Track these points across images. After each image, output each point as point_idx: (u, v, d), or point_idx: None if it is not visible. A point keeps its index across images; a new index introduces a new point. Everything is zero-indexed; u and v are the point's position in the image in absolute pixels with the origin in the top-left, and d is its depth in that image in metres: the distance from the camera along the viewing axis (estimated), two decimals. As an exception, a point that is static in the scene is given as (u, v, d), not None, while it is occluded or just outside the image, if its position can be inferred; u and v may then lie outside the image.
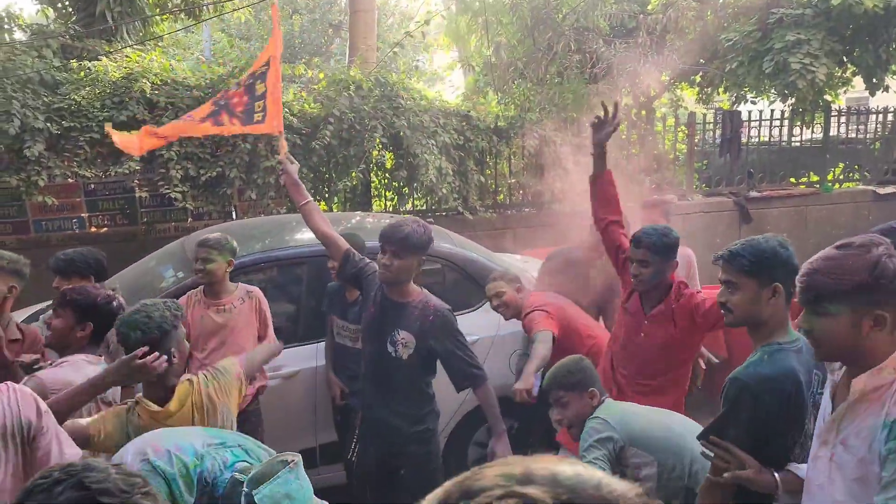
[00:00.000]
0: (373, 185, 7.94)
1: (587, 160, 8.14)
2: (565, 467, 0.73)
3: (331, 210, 7.46)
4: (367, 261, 3.29)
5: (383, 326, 3.15)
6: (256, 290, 3.95)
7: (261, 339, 3.89)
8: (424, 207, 8.00)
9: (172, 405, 2.43)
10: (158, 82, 6.66)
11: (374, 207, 7.89)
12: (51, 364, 2.72)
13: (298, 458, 1.89)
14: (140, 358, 2.29)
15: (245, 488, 1.81)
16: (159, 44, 8.90)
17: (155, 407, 2.41)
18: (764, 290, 2.22)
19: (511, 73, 10.10)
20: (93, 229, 6.90)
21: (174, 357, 2.43)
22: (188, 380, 2.51)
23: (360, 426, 3.47)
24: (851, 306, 1.66)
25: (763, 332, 2.27)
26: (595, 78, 9.69)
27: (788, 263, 2.23)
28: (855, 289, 1.65)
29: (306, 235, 5.01)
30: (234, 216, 7.03)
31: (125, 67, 6.74)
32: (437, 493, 0.75)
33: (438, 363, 3.24)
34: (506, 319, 4.02)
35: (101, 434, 2.37)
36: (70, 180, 6.58)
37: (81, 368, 2.62)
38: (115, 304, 2.80)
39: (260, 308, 3.91)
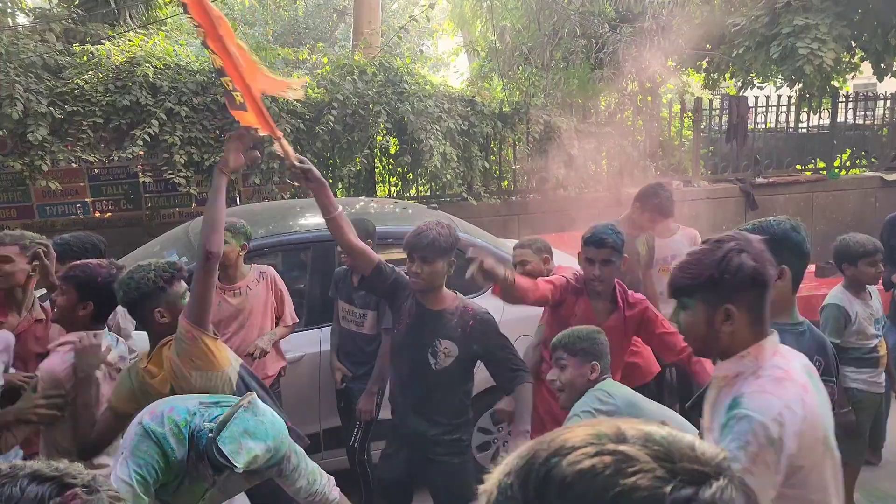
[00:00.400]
0: (377, 170, 7.91)
1: (591, 146, 8.17)
2: (656, 428, 0.72)
3: (335, 195, 7.43)
4: (398, 271, 3.12)
5: (422, 338, 3.02)
6: (269, 269, 3.96)
7: (279, 317, 3.91)
8: (429, 193, 7.97)
9: (153, 366, 2.49)
10: (161, 66, 6.63)
11: (378, 193, 7.87)
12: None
13: (251, 395, 2.04)
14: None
15: (211, 434, 1.95)
16: (162, 28, 8.85)
17: (143, 364, 2.52)
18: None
19: (516, 59, 10.04)
20: (97, 214, 6.91)
21: (162, 317, 2.49)
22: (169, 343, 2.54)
23: (389, 436, 3.32)
24: (704, 300, 1.71)
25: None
26: (600, 63, 9.63)
27: (799, 247, 2.20)
28: (704, 283, 1.70)
29: (311, 220, 5.01)
30: (238, 201, 7.02)
31: (128, 52, 6.71)
32: (522, 452, 0.74)
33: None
34: None
35: (117, 399, 2.51)
36: (73, 165, 6.58)
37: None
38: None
39: (276, 286, 3.92)
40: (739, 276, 1.67)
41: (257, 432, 1.98)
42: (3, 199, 6.57)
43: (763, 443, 1.55)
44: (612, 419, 0.74)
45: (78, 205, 6.84)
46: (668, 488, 0.65)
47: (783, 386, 1.62)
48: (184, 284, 2.59)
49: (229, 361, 2.56)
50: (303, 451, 2.36)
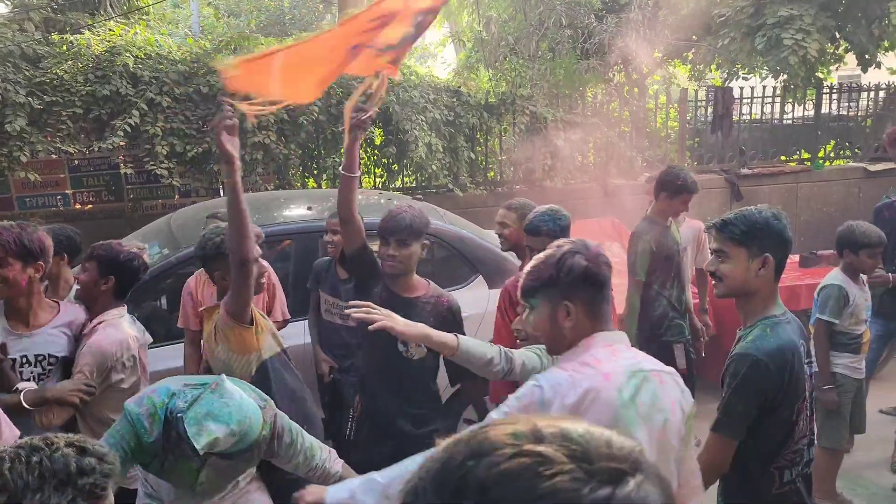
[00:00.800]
0: (362, 161, 7.85)
1: (577, 137, 8.16)
2: (573, 425, 0.71)
3: (320, 186, 7.39)
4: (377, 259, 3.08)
5: None
6: (263, 263, 3.90)
7: (269, 311, 3.82)
8: (414, 184, 7.94)
9: (206, 326, 2.85)
10: (142, 56, 6.53)
11: (364, 184, 7.82)
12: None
13: (220, 378, 2.07)
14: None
15: (180, 415, 2.00)
16: (143, 17, 8.73)
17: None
18: (754, 260, 2.23)
19: (502, 49, 10.00)
20: (77, 206, 6.82)
21: (223, 279, 2.89)
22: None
23: (363, 430, 3.23)
24: (546, 298, 1.86)
25: (754, 304, 2.30)
26: (587, 53, 9.61)
27: (780, 235, 2.24)
28: (545, 283, 1.85)
29: (294, 212, 4.97)
30: (221, 193, 6.95)
31: (108, 41, 6.61)
32: (439, 452, 0.72)
33: None
34: (503, 250, 4.00)
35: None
36: (53, 156, 6.48)
37: (120, 325, 2.83)
38: (137, 262, 2.90)
39: (268, 281, 3.86)
40: (573, 275, 1.82)
41: (220, 415, 1.99)
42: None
43: (533, 400, 1.74)
44: (529, 417, 0.73)
45: (58, 196, 6.75)
46: (587, 489, 0.64)
47: (580, 370, 1.77)
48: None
49: (257, 348, 2.76)
50: (299, 427, 2.35)
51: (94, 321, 2.83)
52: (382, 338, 2.94)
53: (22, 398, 2.46)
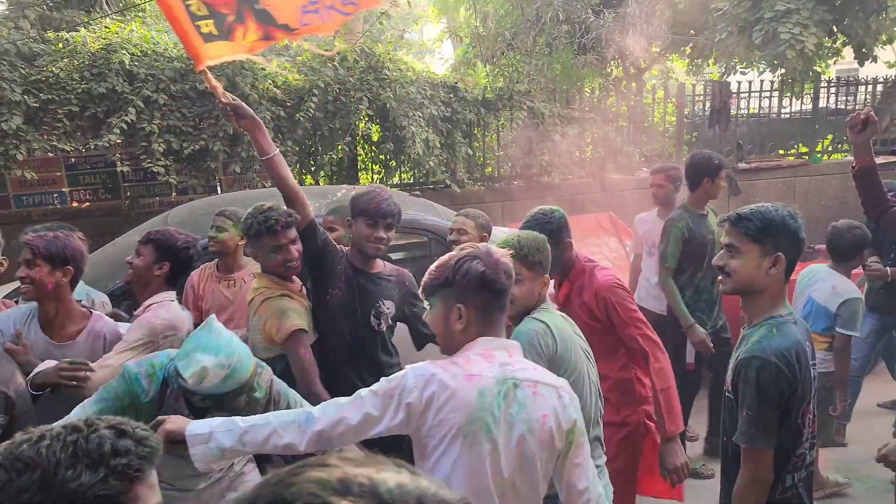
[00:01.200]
0: (359, 158, 7.85)
1: (574, 132, 8.15)
2: (389, 475, 0.67)
3: (317, 183, 7.38)
4: (327, 233, 3.15)
5: (365, 301, 3.07)
6: None
7: None
8: (412, 181, 7.93)
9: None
10: (139, 53, 6.51)
11: (361, 181, 7.81)
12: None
13: (210, 317, 2.15)
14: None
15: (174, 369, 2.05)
16: (139, 14, 8.70)
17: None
18: (766, 258, 2.18)
19: (499, 45, 9.97)
20: (74, 204, 6.81)
21: (255, 258, 3.02)
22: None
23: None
24: (442, 299, 1.92)
25: (761, 303, 2.24)
26: (584, 49, 9.59)
27: (795, 235, 2.19)
28: (441, 283, 1.91)
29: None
30: (218, 190, 6.94)
31: (104, 38, 6.59)
32: (247, 494, 0.69)
33: None
34: None
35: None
36: (50, 154, 6.47)
37: (171, 307, 2.84)
38: (192, 250, 2.96)
39: None
40: (468, 279, 1.87)
41: (208, 347, 2.02)
42: (-22, 189, 6.45)
43: (399, 384, 1.83)
44: (347, 460, 0.69)
45: (55, 194, 6.74)
46: None
47: (448, 368, 1.84)
48: (286, 236, 2.88)
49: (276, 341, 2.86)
50: (300, 398, 2.40)
51: (145, 304, 2.85)
52: (353, 316, 3.08)
53: (28, 386, 2.42)
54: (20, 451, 1.06)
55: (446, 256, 1.96)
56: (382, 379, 1.89)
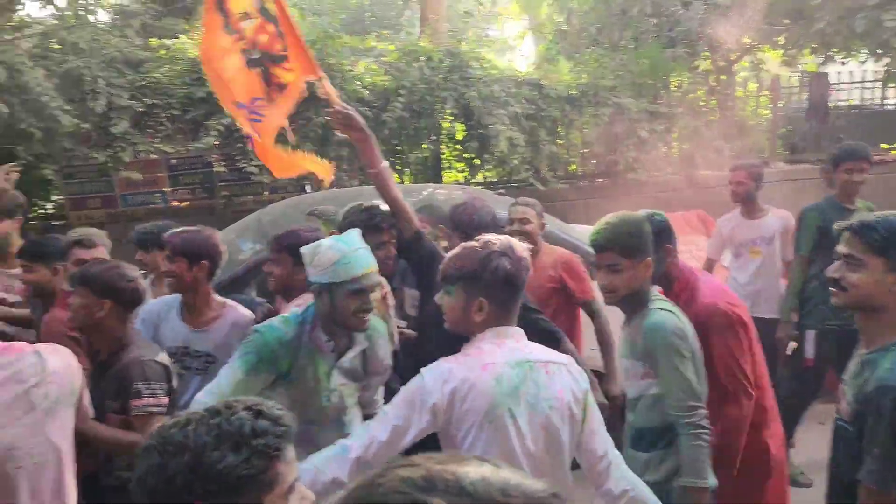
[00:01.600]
0: (443, 156, 7.93)
1: (662, 127, 7.96)
2: (471, 469, 0.68)
3: (402, 182, 7.50)
4: (434, 243, 3.18)
5: None
6: None
7: None
8: (496, 179, 7.94)
9: None
10: (234, 58, 6.78)
11: (445, 179, 7.89)
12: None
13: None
14: None
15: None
16: (234, 20, 9.06)
17: None
18: (891, 273, 1.96)
19: (583, 40, 9.85)
20: (174, 203, 7.16)
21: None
22: None
23: None
24: (464, 290, 1.96)
25: (882, 323, 2.01)
26: (672, 42, 9.35)
27: None
28: (466, 276, 1.95)
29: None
30: (306, 189, 7.15)
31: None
32: (339, 499, 0.72)
33: None
34: None
35: None
36: (153, 156, 6.83)
37: None
38: None
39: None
40: (496, 276, 1.93)
41: (333, 243, 2.28)
42: (89, 189, 6.87)
43: (417, 388, 1.89)
44: (431, 457, 0.70)
45: (157, 194, 7.10)
46: None
47: (460, 360, 1.92)
48: (389, 234, 2.96)
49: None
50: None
51: (295, 303, 2.98)
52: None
53: None
54: (170, 434, 1.13)
55: (469, 247, 1.99)
56: (401, 388, 1.95)
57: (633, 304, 2.48)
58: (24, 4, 9.18)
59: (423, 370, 1.94)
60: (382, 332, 2.53)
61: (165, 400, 2.38)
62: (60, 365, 1.79)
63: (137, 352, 2.44)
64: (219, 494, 1.10)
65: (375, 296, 3.16)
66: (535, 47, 13.42)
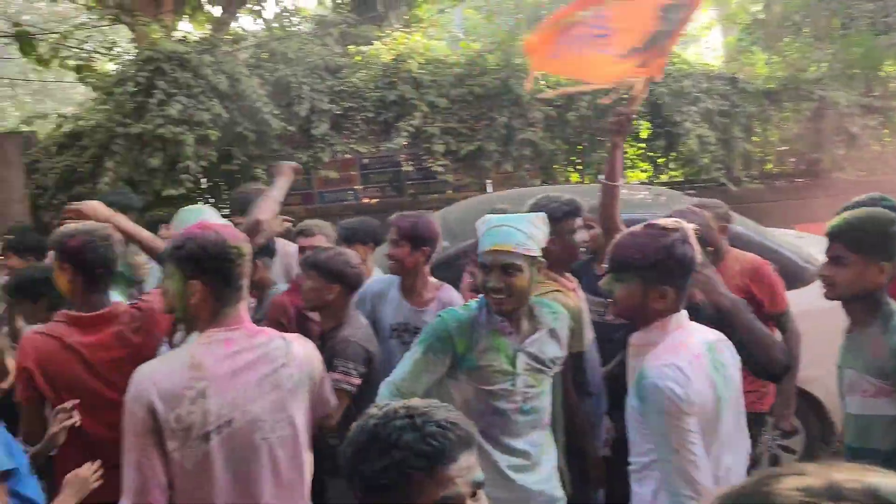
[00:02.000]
0: (626, 155, 7.72)
1: (876, 123, 7.20)
2: (880, 478, 0.62)
3: (583, 182, 7.41)
4: None
5: None
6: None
7: None
8: (682, 178, 7.61)
9: None
10: (422, 61, 7.08)
11: (628, 178, 7.69)
12: None
13: None
14: None
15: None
16: (421, 25, 9.44)
17: None
18: None
19: (784, 29, 9.16)
20: (365, 200, 7.58)
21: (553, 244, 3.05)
22: None
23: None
24: (643, 279, 1.92)
25: None
26: (888, 28, 8.43)
27: None
28: (647, 266, 1.90)
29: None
30: (487, 189, 7.28)
31: (394, 50, 7.25)
32: (723, 498, 0.68)
33: None
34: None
35: None
36: (347, 156, 7.28)
37: None
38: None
39: None
40: (683, 264, 1.90)
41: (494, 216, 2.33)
42: (291, 186, 7.43)
43: (674, 403, 1.80)
44: (819, 467, 0.63)
45: (350, 192, 7.55)
46: None
47: (676, 355, 1.86)
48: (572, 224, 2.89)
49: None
50: None
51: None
52: None
53: None
54: (362, 421, 1.22)
55: (648, 236, 1.93)
56: (647, 415, 1.87)
57: (863, 310, 2.24)
58: (238, 18, 10.18)
59: (657, 383, 1.82)
60: (561, 324, 2.39)
61: (357, 381, 2.55)
62: (302, 351, 1.94)
63: (349, 331, 2.66)
64: (365, 494, 1.16)
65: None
66: (724, 39, 12.68)
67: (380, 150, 7.15)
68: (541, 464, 2.34)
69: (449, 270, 4.70)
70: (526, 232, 2.25)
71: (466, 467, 1.17)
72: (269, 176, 6.98)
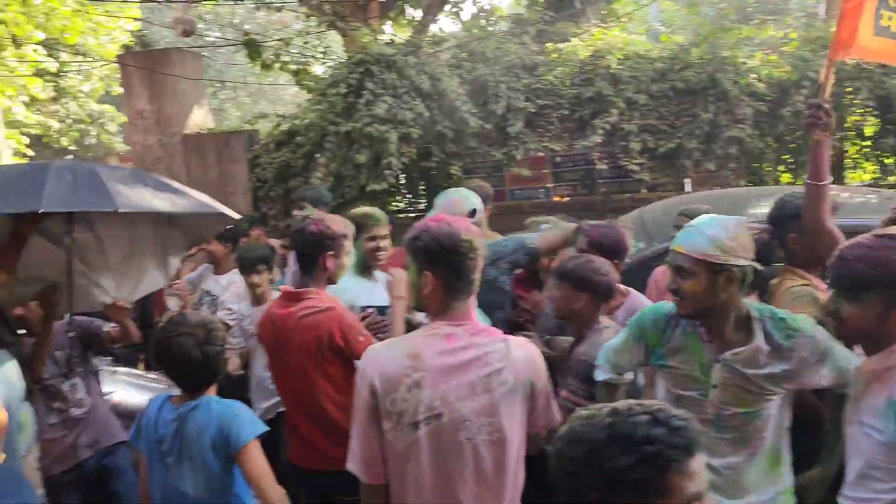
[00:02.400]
0: (848, 154, 7.01)
1: None
2: None
3: (794, 183, 6.84)
4: None
5: None
6: None
7: None
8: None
9: None
10: (622, 57, 6.90)
11: (850, 180, 6.98)
12: None
13: None
14: None
15: None
16: (619, 19, 9.20)
17: None
18: None
19: None
20: (555, 198, 7.55)
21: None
22: None
23: None
24: (883, 297, 1.73)
25: None
26: None
27: None
28: (892, 282, 1.71)
29: (767, 211, 4.66)
30: (686, 188, 6.94)
31: (591, 46, 7.14)
32: None
33: None
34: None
35: None
36: (540, 153, 7.29)
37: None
38: None
39: None
40: None
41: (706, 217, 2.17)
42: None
43: None
44: None
45: (541, 189, 7.56)
46: None
47: None
48: None
49: None
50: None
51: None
52: None
53: None
54: (575, 425, 1.19)
55: (881, 246, 1.76)
56: None
57: None
58: (437, 20, 10.56)
59: None
60: (800, 344, 2.08)
61: (581, 402, 2.43)
62: (522, 356, 1.89)
63: (585, 348, 2.57)
64: (607, 492, 1.12)
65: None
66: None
67: (573, 148, 7.08)
68: (747, 492, 2.12)
69: (644, 272, 4.57)
70: (710, 236, 2.03)
71: (703, 463, 1.17)
72: (463, 173, 7.23)
